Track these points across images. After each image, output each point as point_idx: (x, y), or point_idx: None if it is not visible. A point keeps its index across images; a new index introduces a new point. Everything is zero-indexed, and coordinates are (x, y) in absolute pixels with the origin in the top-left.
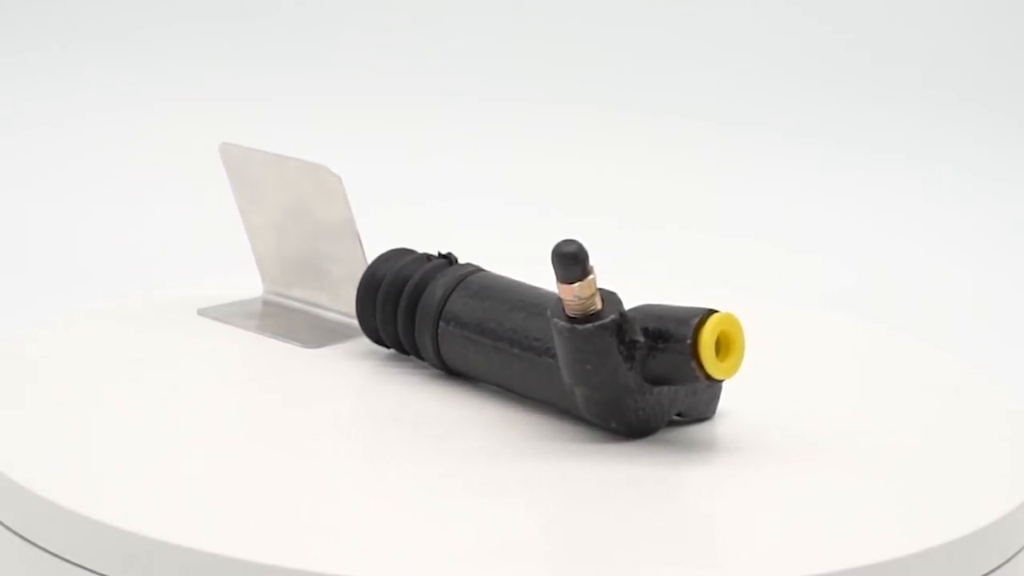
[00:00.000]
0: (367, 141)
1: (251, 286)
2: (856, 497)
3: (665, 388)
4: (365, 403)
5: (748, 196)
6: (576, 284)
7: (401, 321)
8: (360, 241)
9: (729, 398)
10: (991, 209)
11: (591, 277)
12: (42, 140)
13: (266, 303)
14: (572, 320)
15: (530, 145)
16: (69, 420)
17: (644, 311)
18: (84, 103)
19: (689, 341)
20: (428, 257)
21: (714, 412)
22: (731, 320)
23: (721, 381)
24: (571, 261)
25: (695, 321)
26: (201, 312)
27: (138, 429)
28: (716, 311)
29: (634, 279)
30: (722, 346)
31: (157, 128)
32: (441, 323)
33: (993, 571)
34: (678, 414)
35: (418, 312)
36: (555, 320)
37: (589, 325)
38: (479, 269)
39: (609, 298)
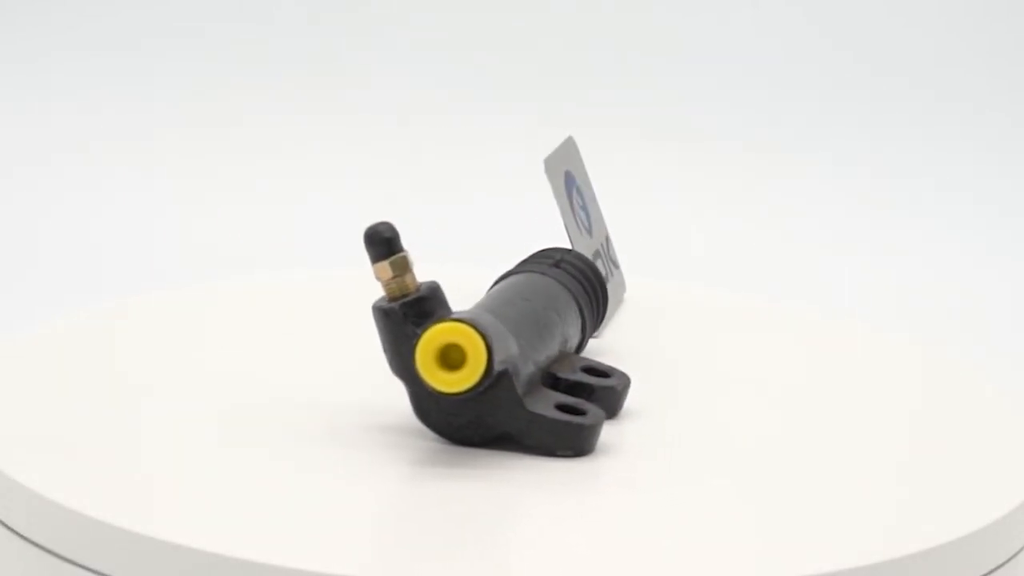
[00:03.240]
0: (367, 144)
1: None
2: (855, 496)
3: (487, 396)
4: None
5: (746, 196)
6: (373, 265)
7: None
8: (569, 231)
9: (735, 385)
10: (989, 209)
11: (386, 262)
12: (42, 140)
13: None
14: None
15: (534, 148)
16: (69, 419)
17: (457, 312)
18: (85, 104)
19: (415, 342)
20: (555, 258)
21: (580, 450)
22: (462, 332)
23: (451, 396)
24: (367, 242)
25: (426, 326)
26: None
27: (139, 428)
28: (454, 319)
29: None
30: (457, 359)
31: (158, 131)
32: None
33: (993, 571)
34: (511, 437)
35: None
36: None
37: (374, 306)
38: (544, 271)
39: (426, 290)
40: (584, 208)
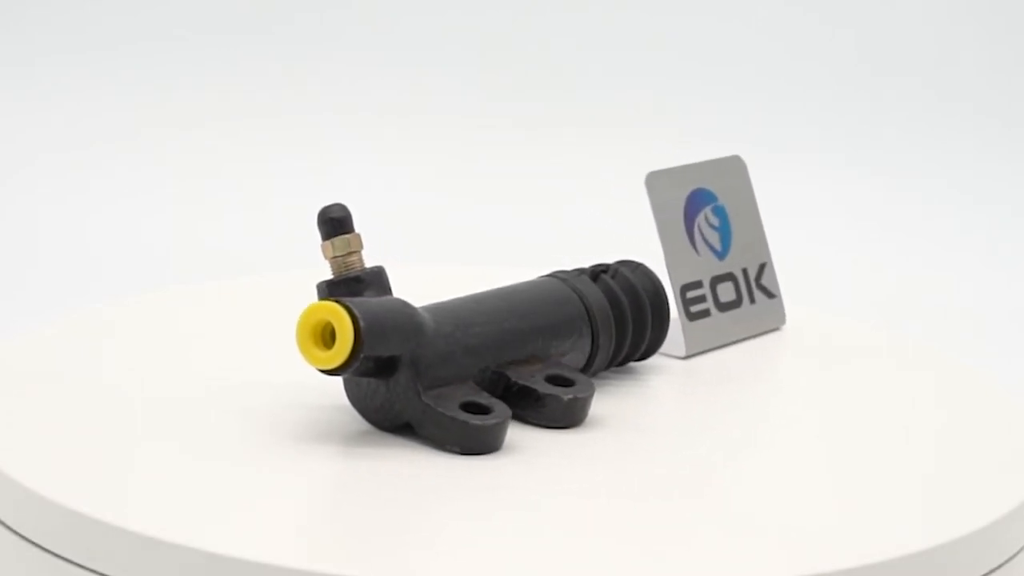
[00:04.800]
0: (367, 146)
1: None
2: (856, 497)
3: (391, 382)
4: None
5: None
6: (321, 244)
7: None
8: (665, 248)
9: (735, 385)
10: (989, 209)
11: (328, 241)
12: (42, 142)
13: None
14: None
15: (540, 155)
16: (69, 419)
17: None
18: (85, 105)
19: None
20: (596, 270)
21: (467, 448)
22: (333, 311)
23: (329, 373)
24: (317, 221)
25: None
26: None
27: (139, 428)
28: (332, 299)
29: None
30: (332, 336)
31: (158, 132)
32: None
33: (993, 571)
34: (406, 424)
35: None
36: None
37: (317, 284)
38: (567, 278)
39: (363, 272)
40: (719, 229)
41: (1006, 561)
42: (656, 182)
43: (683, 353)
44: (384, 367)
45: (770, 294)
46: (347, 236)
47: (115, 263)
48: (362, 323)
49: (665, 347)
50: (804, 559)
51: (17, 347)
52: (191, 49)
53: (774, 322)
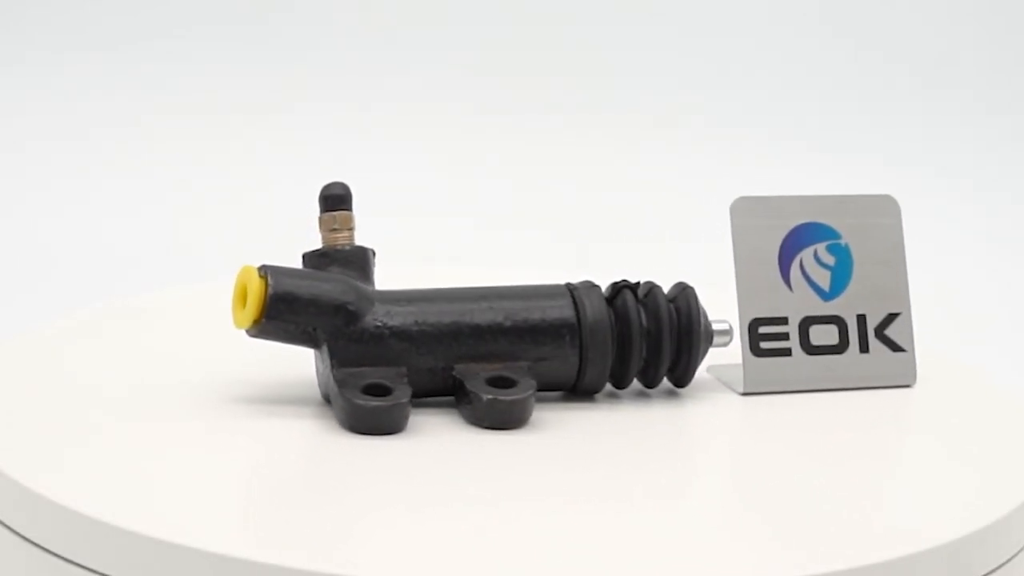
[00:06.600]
0: (369, 147)
1: None
2: (855, 496)
3: (322, 355)
4: None
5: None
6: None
7: None
8: (738, 277)
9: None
10: (989, 206)
11: (323, 215)
12: (38, 140)
13: None
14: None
15: (548, 159)
16: (69, 419)
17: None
18: (85, 104)
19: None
20: (619, 285)
21: (352, 427)
22: (249, 274)
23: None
24: (319, 198)
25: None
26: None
27: (139, 428)
28: (254, 267)
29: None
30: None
31: (156, 132)
32: None
33: (993, 571)
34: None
35: None
36: None
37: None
38: (575, 288)
39: (340, 250)
40: (831, 268)
41: (1006, 561)
42: (743, 208)
43: (742, 389)
44: (304, 337)
45: (896, 347)
46: (334, 213)
47: (114, 263)
48: (271, 290)
49: (728, 379)
50: (803, 559)
51: (17, 347)
52: (191, 48)
53: (897, 378)
